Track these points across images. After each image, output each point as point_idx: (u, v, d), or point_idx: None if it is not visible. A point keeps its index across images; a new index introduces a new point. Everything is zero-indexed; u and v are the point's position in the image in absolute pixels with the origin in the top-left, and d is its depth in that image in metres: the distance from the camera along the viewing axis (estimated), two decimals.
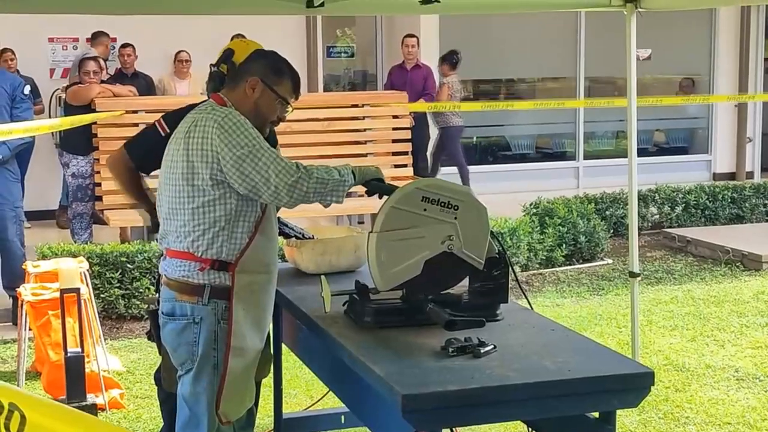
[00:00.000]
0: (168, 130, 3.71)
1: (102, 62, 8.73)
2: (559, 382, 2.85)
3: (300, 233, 4.25)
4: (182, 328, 3.37)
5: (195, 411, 3.40)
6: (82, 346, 5.09)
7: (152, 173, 3.89)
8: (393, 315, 3.35)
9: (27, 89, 6.90)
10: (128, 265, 6.87)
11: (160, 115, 3.98)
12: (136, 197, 4.02)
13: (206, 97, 3.80)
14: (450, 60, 10.66)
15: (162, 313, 3.46)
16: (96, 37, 9.85)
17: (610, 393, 2.93)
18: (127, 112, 8.28)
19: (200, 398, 3.38)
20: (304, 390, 5.48)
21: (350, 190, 3.47)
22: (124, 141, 4.03)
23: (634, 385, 2.94)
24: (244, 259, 3.35)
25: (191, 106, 3.57)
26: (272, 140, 3.88)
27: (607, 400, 2.94)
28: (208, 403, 3.38)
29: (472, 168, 11.78)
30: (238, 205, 3.33)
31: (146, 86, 9.72)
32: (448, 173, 11.25)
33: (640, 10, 5.06)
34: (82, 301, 5.18)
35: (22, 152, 7.56)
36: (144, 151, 3.86)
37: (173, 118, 3.72)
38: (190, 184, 3.32)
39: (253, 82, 3.43)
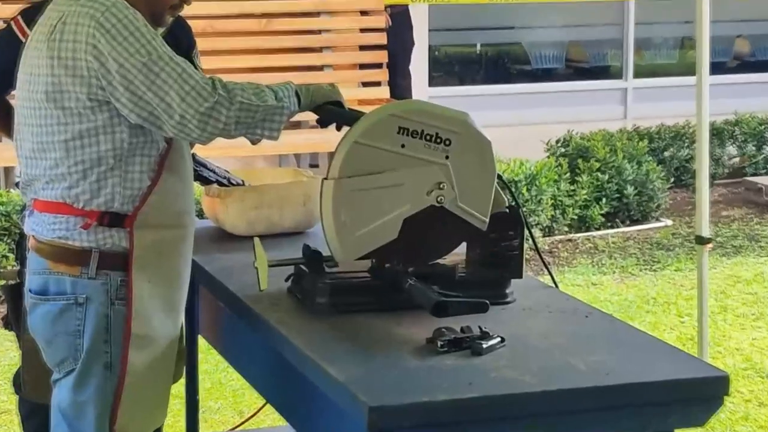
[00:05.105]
0: (29, 33, 3.69)
1: None
2: (593, 390, 2.88)
3: (225, 178, 4.25)
4: (59, 313, 3.37)
5: (77, 428, 3.40)
6: None
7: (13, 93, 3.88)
8: (358, 295, 3.38)
9: None
10: None
11: (17, 9, 3.96)
12: (4, 131, 3.99)
13: None
14: None
15: (29, 291, 3.46)
16: None
17: (667, 406, 2.96)
18: None
19: (86, 410, 3.39)
20: (231, 403, 5.52)
21: (297, 118, 3.47)
22: None
23: (701, 395, 2.97)
24: (146, 208, 3.35)
25: None
26: (185, 41, 3.86)
27: (661, 416, 2.97)
28: (97, 417, 3.38)
29: (474, 88, 11.77)
30: (132, 134, 3.31)
31: None
32: (442, 95, 11.27)
33: None
34: None
35: None
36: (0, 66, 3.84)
37: (36, 15, 3.69)
38: (59, 107, 3.29)
39: None
